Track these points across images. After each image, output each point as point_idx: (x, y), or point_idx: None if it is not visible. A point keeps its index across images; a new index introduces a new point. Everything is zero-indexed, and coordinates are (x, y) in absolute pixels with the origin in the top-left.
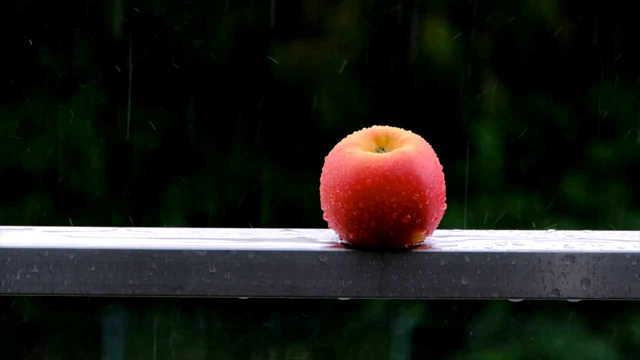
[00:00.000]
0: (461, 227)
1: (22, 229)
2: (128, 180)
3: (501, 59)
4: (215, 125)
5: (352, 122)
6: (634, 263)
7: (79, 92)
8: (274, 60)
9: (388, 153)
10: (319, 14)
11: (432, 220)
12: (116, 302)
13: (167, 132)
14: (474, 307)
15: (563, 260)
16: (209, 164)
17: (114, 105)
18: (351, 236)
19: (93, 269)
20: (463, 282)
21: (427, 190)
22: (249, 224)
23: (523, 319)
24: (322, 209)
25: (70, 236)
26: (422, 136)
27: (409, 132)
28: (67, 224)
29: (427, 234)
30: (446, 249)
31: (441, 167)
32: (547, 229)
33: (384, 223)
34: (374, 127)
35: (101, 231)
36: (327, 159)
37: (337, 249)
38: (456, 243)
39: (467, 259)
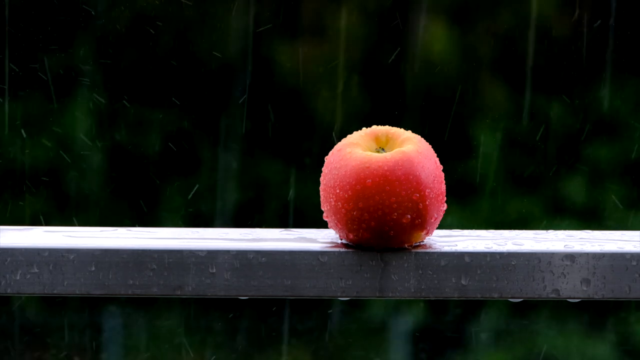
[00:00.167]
0: (461, 227)
1: (22, 229)
2: (128, 180)
3: (501, 58)
4: (215, 125)
5: (352, 122)
6: (634, 263)
7: (79, 92)
8: (275, 60)
9: (388, 153)
10: (319, 14)
11: (432, 220)
12: (116, 302)
13: (168, 132)
14: (474, 307)
15: (563, 260)
16: (209, 164)
17: (115, 106)
18: (351, 236)
19: (93, 269)
20: (463, 282)
21: (427, 190)
22: (249, 223)
23: (523, 319)
24: (322, 209)
25: (70, 236)
26: (421, 136)
27: (409, 132)
28: (67, 224)
29: (427, 234)
30: (446, 249)
31: (441, 167)
32: (547, 229)
33: (384, 223)
34: (374, 127)
35: (101, 231)
36: (327, 159)
37: (337, 249)
38: (456, 243)
39: (467, 259)
